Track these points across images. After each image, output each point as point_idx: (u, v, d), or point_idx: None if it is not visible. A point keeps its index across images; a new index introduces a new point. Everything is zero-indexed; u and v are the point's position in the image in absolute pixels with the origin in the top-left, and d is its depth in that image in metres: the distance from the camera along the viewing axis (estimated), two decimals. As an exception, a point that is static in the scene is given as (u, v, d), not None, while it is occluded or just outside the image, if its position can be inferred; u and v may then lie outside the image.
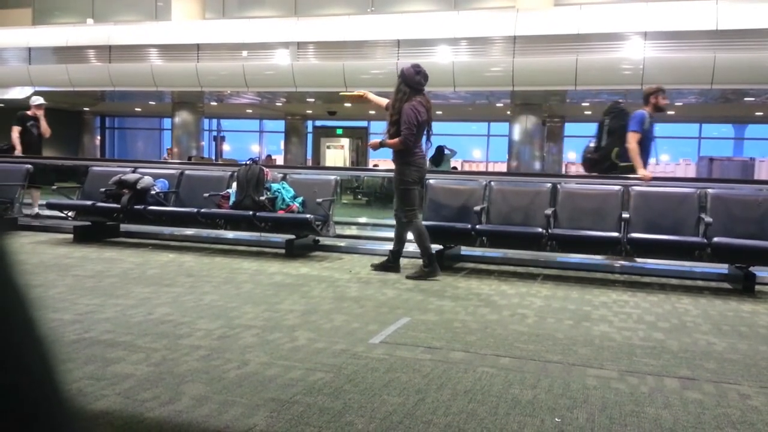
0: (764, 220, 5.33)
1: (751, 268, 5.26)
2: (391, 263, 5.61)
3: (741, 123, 22.25)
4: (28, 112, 8.79)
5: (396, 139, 5.33)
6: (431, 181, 6.42)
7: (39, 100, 8.82)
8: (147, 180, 6.89)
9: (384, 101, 5.70)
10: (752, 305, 4.63)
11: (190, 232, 7.40)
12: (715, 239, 5.05)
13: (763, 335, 3.73)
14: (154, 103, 21.61)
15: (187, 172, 7.32)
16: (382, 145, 5.51)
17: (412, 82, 5.34)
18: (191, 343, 3.15)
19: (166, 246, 6.81)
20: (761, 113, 18.36)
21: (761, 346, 3.47)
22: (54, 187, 8.03)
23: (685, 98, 15.92)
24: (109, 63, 17.55)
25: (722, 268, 5.67)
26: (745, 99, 15.69)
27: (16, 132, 8.66)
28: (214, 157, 23.73)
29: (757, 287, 5.22)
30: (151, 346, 3.09)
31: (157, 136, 28.13)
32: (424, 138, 5.47)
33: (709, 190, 5.62)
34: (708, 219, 5.23)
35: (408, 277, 5.26)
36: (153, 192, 6.86)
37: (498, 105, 18.62)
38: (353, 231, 9.15)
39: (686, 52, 13.17)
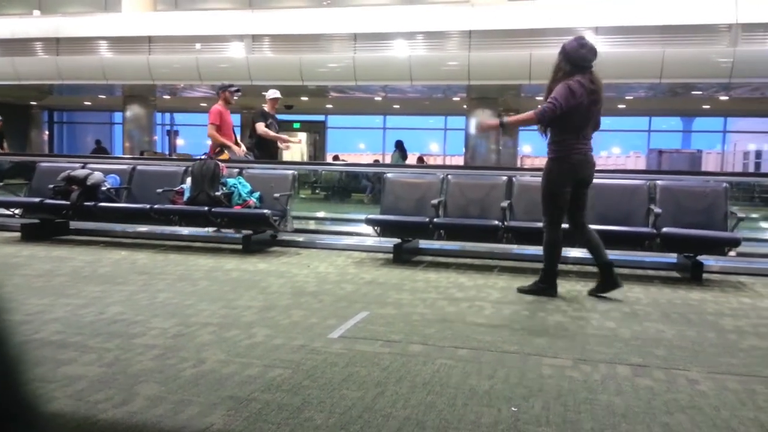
0: (711, 211, 5.51)
1: (699, 257, 5.43)
2: (545, 283, 4.53)
3: (689, 116, 22.96)
4: None
5: (525, 114, 4.40)
6: (389, 176, 6.44)
7: None
8: (97, 176, 6.71)
9: (527, 114, 4.45)
10: (700, 293, 4.78)
11: (143, 228, 7.24)
12: (664, 229, 5.20)
13: (710, 322, 3.86)
14: (104, 96, 21.05)
15: (139, 167, 7.16)
16: (503, 125, 4.52)
17: (575, 57, 4.26)
18: (145, 343, 3.09)
19: (118, 243, 6.65)
20: (708, 106, 18.96)
21: (709, 333, 3.59)
22: (0, 183, 7.75)
23: (635, 92, 16.33)
24: (57, 56, 17.03)
25: (671, 257, 5.84)
26: (693, 93, 16.18)
27: None
28: (167, 152, 23.25)
29: (705, 275, 5.39)
30: (103, 346, 3.02)
31: (107, 130, 27.40)
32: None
33: (658, 182, 5.77)
34: (657, 210, 5.37)
35: (519, 289, 4.59)
36: (104, 188, 6.69)
37: (454, 99, 18.76)
38: (311, 226, 9.10)
39: (636, 47, 13.50)
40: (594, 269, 4.53)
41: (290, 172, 6.65)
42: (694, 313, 4.09)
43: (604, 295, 4.46)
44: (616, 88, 14.58)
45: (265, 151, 7.65)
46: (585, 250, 5.60)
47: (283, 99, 7.48)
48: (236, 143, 7.48)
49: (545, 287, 4.49)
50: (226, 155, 7.27)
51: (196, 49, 16.19)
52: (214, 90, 18.78)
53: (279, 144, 8.21)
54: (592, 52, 4.30)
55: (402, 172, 6.94)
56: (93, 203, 6.52)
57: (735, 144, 24.29)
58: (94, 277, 4.78)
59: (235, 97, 7.44)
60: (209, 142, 7.50)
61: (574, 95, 4.19)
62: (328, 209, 11.00)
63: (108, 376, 2.61)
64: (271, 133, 7.70)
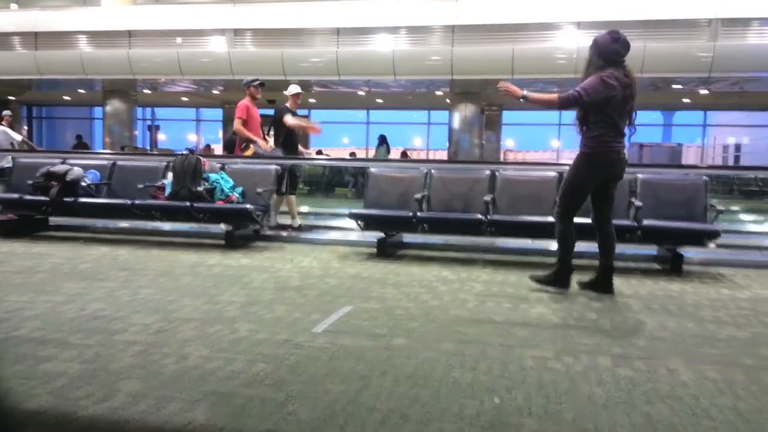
0: (691, 203, 5.57)
1: (679, 249, 5.50)
2: (558, 276, 4.45)
3: (669, 110, 23.18)
4: None
5: (549, 95, 4.30)
6: (372, 170, 6.43)
7: None
8: (77, 171, 6.64)
9: (551, 96, 4.40)
10: (680, 285, 4.84)
11: (124, 224, 7.18)
12: (645, 222, 5.25)
13: (690, 313, 3.91)
14: (84, 91, 20.81)
15: (119, 162, 7.09)
16: (525, 98, 4.30)
17: (608, 52, 4.18)
18: (126, 339, 3.06)
19: (99, 239, 6.58)
20: (688, 100, 19.16)
21: (688, 324, 3.64)
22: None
23: (617, 86, 16.43)
24: (36, 50, 16.81)
25: (652, 249, 5.90)
26: (673, 87, 16.34)
27: None
28: (148, 147, 23.04)
29: (685, 267, 5.45)
30: (83, 342, 2.99)
31: (87, 125, 27.09)
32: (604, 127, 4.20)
33: (639, 175, 5.82)
34: (638, 203, 5.42)
35: (531, 277, 4.53)
36: (83, 183, 6.62)
37: (438, 93, 18.78)
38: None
39: (617, 42, 13.58)
40: (578, 262, 4.56)
41: (273, 167, 6.62)
42: (674, 304, 4.13)
43: (591, 291, 4.48)
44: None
45: (291, 149, 7.48)
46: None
47: (265, 93, 7.40)
48: (264, 139, 7.34)
49: (557, 279, 4.40)
50: (251, 150, 7.14)
51: (177, 44, 16.06)
52: (195, 84, 18.75)
53: (303, 132, 7.85)
54: (626, 46, 4.20)
55: (386, 166, 6.93)
56: (73, 199, 6.45)
57: (715, 137, 24.60)
58: (74, 273, 4.73)
59: (260, 91, 7.29)
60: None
61: (607, 87, 4.09)
62: (312, 204, 10.96)
63: (89, 373, 2.59)
64: (298, 122, 7.43)
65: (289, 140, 7.41)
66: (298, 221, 7.15)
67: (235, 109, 7.22)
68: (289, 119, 7.24)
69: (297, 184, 7.42)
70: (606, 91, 4.10)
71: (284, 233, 6.82)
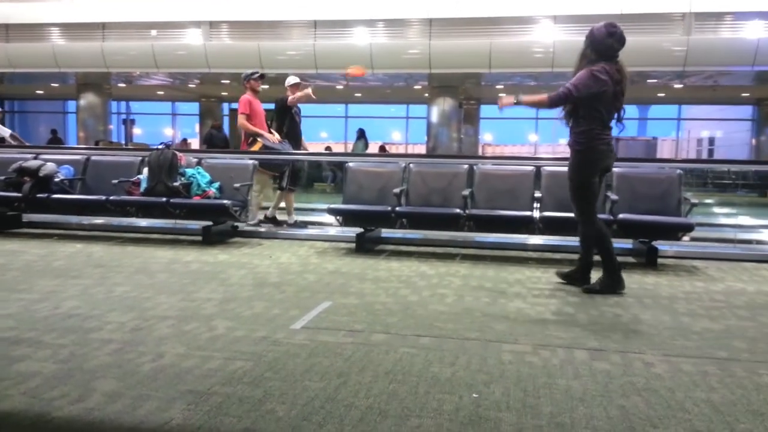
0: (665, 197, 5.65)
1: (654, 243, 5.57)
2: (577, 275, 4.44)
3: (644, 104, 23.46)
4: None
5: (540, 96, 4.25)
6: (351, 165, 6.41)
7: None
8: (50, 167, 6.53)
9: (542, 97, 4.31)
10: (655, 277, 4.90)
11: (99, 220, 7.07)
12: (621, 216, 5.31)
13: (665, 306, 3.97)
14: (57, 85, 20.46)
15: (93, 157, 6.98)
16: (518, 102, 4.31)
17: (601, 46, 4.14)
18: (102, 337, 3.02)
19: (73, 236, 6.48)
20: (663, 94, 19.40)
21: (664, 316, 3.69)
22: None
23: (593, 80, 16.58)
24: (7, 43, 16.47)
25: (627, 243, 5.97)
26: (648, 81, 16.52)
27: None
28: (123, 142, 22.74)
29: (660, 260, 5.53)
30: (58, 342, 2.94)
31: (61, 119, 26.65)
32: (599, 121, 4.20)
33: (615, 169, 5.86)
34: (614, 197, 5.47)
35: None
36: (57, 179, 6.52)
37: (416, 87, 18.78)
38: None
39: (593, 36, 13.68)
40: (555, 256, 4.60)
41: (251, 162, 6.57)
42: (650, 297, 4.19)
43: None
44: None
45: (295, 141, 7.29)
46: (550, 238, 5.58)
47: (242, 87, 7.29)
48: (269, 131, 7.14)
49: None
50: (259, 144, 6.95)
51: (152, 36, 15.84)
52: (171, 78, 18.52)
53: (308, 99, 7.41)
54: (621, 41, 4.15)
55: (364, 161, 6.91)
56: (46, 195, 6.34)
57: (689, 131, 24.97)
58: (48, 271, 4.65)
59: (260, 83, 7.13)
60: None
61: (597, 82, 4.06)
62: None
63: (63, 373, 2.55)
64: (300, 95, 7.20)
65: (292, 132, 7.28)
66: (294, 217, 7.06)
67: (238, 105, 7.04)
68: (291, 98, 7.12)
69: (299, 180, 7.24)
70: (597, 86, 4.07)
71: (267, 227, 6.78)
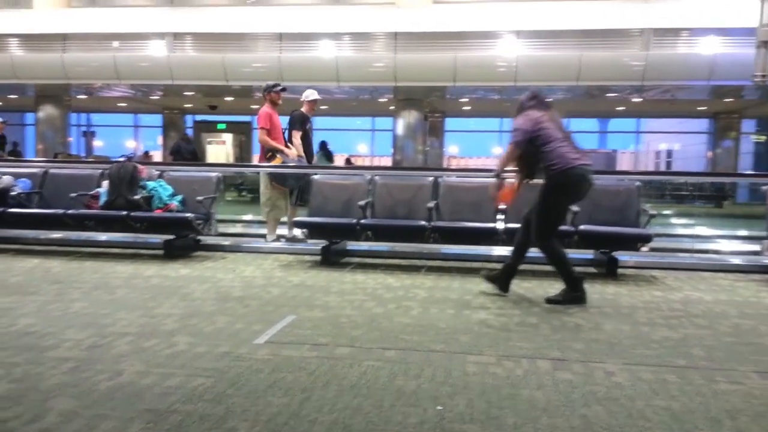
0: (625, 209, 5.76)
1: (614, 253, 5.67)
2: (572, 291, 4.41)
3: (604, 117, 23.96)
4: None
5: (505, 152, 4.55)
6: (316, 177, 6.39)
7: None
8: (6, 180, 6.37)
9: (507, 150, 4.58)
10: (615, 287, 4.99)
11: (56, 235, 6.89)
12: (582, 227, 5.39)
13: (625, 315, 4.03)
14: (15, 96, 19.95)
15: (51, 170, 6.82)
16: (499, 176, 4.57)
17: (527, 105, 4.57)
18: (58, 355, 2.93)
19: (30, 251, 6.31)
20: (622, 108, 19.84)
21: (624, 326, 3.74)
22: None
23: (555, 94, 16.87)
24: (-38, 53, 16.02)
25: (588, 253, 6.07)
26: (608, 95, 16.89)
27: None
28: (84, 154, 22.28)
29: (620, 270, 5.63)
30: (12, 360, 2.85)
31: (19, 132, 25.98)
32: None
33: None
34: (575, 208, 5.55)
35: (548, 300, 4.40)
36: (13, 193, 6.35)
37: (381, 100, 18.85)
38: (237, 229, 8.93)
39: (555, 51, 13.97)
40: (521, 267, 4.64)
41: (214, 174, 6.50)
42: (610, 307, 4.26)
43: (490, 283, 4.64)
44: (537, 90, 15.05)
45: (308, 157, 7.07)
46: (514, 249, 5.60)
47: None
48: (286, 146, 6.89)
49: (574, 294, 4.36)
50: (279, 160, 6.72)
51: (113, 47, 15.60)
52: (133, 89, 18.25)
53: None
54: (542, 102, 4.55)
55: (329, 173, 6.89)
56: (2, 209, 6.18)
57: (648, 144, 25.56)
58: (3, 287, 4.51)
59: (281, 96, 6.90)
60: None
61: (530, 120, 4.38)
62: (255, 212, 10.81)
63: (17, 392, 2.47)
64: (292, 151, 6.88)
65: (306, 148, 7.07)
66: (294, 232, 6.88)
67: (257, 119, 6.81)
68: (295, 136, 6.92)
69: (307, 196, 6.73)
70: (533, 120, 4.38)
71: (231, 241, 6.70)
